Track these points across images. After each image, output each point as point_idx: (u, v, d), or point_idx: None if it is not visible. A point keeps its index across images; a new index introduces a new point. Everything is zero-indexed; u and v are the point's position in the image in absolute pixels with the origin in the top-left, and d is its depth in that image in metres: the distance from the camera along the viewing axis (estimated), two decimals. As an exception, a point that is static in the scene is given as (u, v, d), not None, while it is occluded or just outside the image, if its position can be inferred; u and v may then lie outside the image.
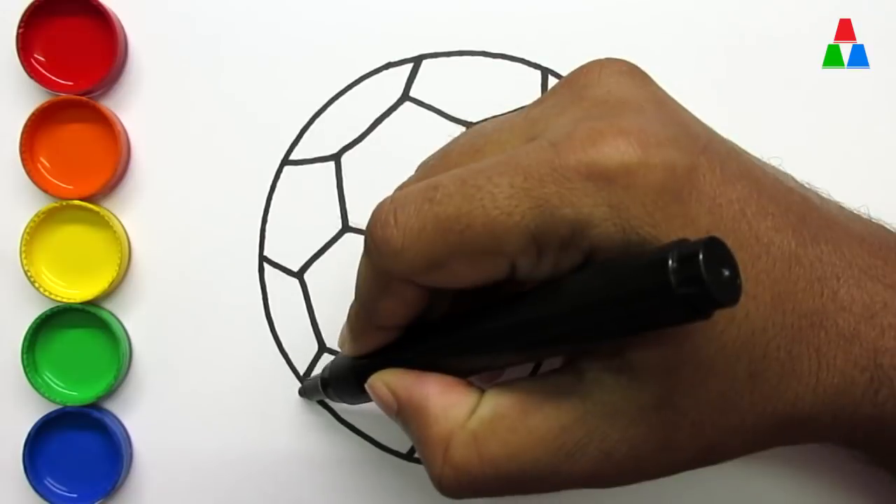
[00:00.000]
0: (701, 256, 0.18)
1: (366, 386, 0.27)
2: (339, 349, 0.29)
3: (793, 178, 0.26)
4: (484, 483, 0.24)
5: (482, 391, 0.25)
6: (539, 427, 0.23)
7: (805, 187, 0.26)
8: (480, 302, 0.25)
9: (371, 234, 0.23)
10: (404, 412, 0.25)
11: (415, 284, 0.24)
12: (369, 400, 0.27)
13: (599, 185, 0.21)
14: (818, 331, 0.23)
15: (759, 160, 0.25)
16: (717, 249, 0.19)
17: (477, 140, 0.25)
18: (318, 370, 0.35)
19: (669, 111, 0.24)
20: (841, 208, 0.26)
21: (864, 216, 0.27)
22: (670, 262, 0.18)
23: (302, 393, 0.35)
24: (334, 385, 0.31)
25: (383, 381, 0.26)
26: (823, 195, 0.26)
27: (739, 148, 0.25)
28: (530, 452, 0.23)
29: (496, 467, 0.23)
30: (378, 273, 0.24)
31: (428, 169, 0.26)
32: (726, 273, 0.19)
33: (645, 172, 0.21)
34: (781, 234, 0.23)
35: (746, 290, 0.22)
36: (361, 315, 0.26)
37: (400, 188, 0.25)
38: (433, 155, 0.27)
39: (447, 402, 0.25)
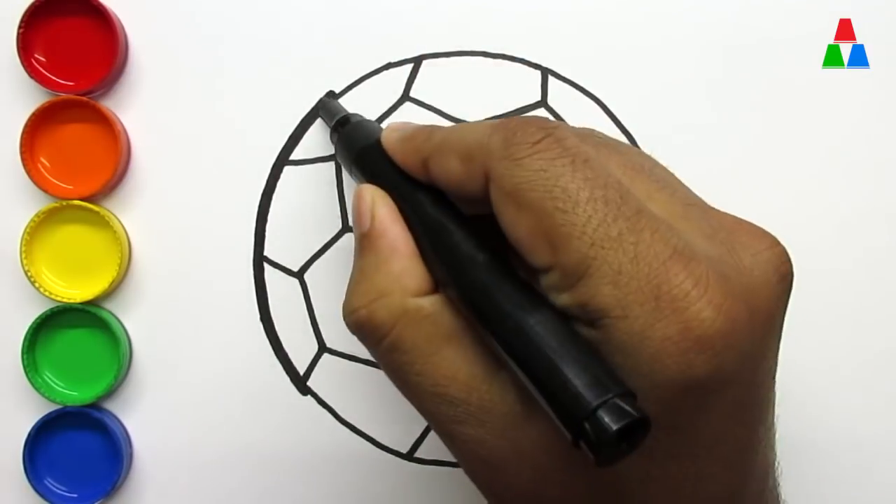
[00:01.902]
0: (624, 423, 0.18)
1: (359, 186, 0.27)
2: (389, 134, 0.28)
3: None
4: (373, 344, 0.24)
5: (438, 291, 0.24)
6: (446, 360, 0.23)
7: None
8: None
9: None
10: (368, 239, 0.25)
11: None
12: (354, 176, 0.27)
13: (662, 306, 0.20)
14: None
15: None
16: (644, 430, 0.19)
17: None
18: (317, 370, 0.35)
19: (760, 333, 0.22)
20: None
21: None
22: (609, 399, 0.18)
23: (321, 105, 0.35)
24: (345, 137, 0.30)
25: (374, 198, 0.26)
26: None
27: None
28: (420, 366, 0.23)
29: (392, 349, 0.24)
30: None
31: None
32: (624, 446, 0.19)
33: (716, 354, 0.20)
34: (731, 473, 0.22)
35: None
36: (431, 142, 0.25)
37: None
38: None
39: (407, 267, 0.24)
